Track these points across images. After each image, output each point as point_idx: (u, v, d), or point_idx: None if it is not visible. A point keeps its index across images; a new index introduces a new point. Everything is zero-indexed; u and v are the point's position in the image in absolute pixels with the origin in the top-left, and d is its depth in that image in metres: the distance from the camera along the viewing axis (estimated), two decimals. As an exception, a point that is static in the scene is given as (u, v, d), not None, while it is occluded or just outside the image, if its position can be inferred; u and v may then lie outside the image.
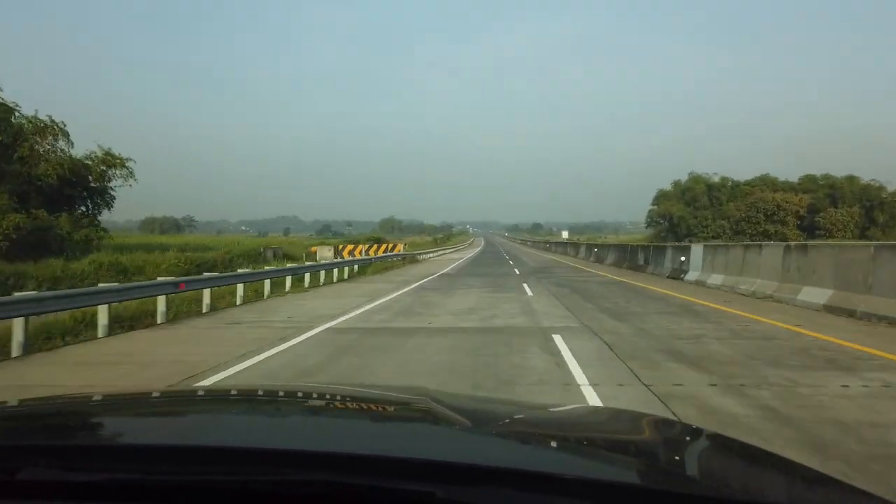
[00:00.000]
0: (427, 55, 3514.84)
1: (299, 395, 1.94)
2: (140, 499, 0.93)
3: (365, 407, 1.65)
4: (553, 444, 1.32)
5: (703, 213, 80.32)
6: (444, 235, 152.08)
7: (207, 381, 6.05)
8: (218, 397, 1.92)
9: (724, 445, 1.50)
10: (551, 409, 2.14)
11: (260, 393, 2.13)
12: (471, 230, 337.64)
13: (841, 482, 1.11)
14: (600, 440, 1.39)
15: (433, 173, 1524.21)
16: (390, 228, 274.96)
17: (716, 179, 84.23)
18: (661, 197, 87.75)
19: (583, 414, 2.06)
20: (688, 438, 1.57)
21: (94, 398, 1.88)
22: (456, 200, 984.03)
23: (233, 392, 2.23)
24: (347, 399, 1.79)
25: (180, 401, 1.82)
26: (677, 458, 1.36)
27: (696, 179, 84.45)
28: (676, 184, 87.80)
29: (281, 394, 2.01)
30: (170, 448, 1.06)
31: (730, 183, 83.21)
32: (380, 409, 1.64)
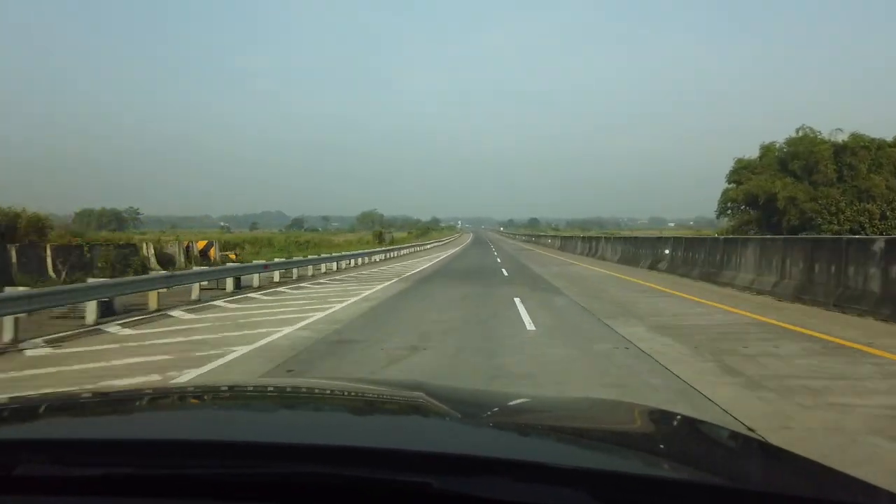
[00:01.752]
0: (420, 52, 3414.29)
1: (294, 389, 1.90)
2: (137, 493, 0.93)
3: (360, 401, 1.66)
4: (547, 434, 1.33)
5: (826, 191, 47.84)
6: (418, 231, 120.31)
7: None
8: (212, 393, 1.88)
9: (719, 435, 1.50)
10: (545, 400, 2.37)
11: (254, 388, 2.11)
12: (460, 225, 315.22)
13: (835, 470, 1.09)
14: (593, 430, 1.41)
15: (427, 171, 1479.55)
16: (371, 223, 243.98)
17: (842, 138, 51.39)
18: (742, 170, 55.00)
19: (576, 405, 2.06)
20: (682, 428, 1.56)
21: (90, 394, 1.92)
22: (449, 198, 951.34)
23: (228, 387, 2.21)
24: (343, 393, 1.78)
25: (175, 396, 1.78)
26: (670, 446, 1.36)
27: (808, 140, 51.52)
28: (768, 149, 54.96)
29: (276, 388, 1.98)
30: (165, 442, 1.06)
31: (864, 141, 50.03)
32: (375, 402, 1.63)
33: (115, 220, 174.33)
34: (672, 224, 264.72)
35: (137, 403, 1.59)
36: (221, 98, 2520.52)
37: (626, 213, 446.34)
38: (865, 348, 7.29)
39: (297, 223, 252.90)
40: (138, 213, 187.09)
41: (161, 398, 1.73)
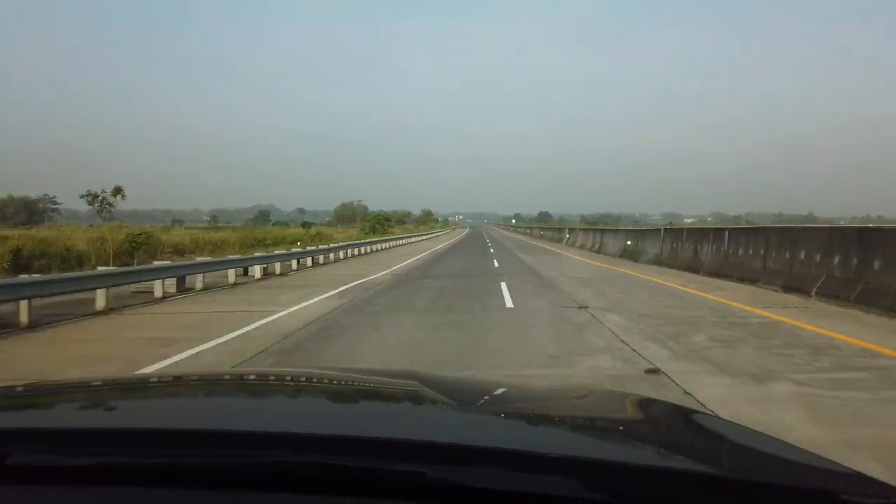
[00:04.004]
0: (420, 45, 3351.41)
1: (289, 378, 1.87)
2: (132, 482, 0.93)
3: (354, 390, 1.66)
4: (541, 423, 1.34)
5: None
6: (373, 221, 73.85)
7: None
8: (208, 382, 1.85)
9: (711, 424, 1.52)
10: (541, 389, 2.40)
11: (250, 377, 2.11)
12: (457, 219, 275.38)
13: (824, 459, 1.10)
14: (588, 419, 1.42)
15: (429, 168, 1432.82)
16: (350, 217, 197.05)
17: None
18: None
19: (572, 394, 2.05)
20: (675, 417, 1.57)
21: (85, 383, 1.89)
22: (452, 193, 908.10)
23: (224, 377, 2.19)
24: (336, 382, 1.78)
25: (171, 385, 1.77)
26: (667, 436, 1.37)
27: None
28: None
29: (271, 378, 1.96)
30: (160, 431, 1.06)
31: None
32: (369, 391, 1.63)
33: (25, 210, 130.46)
34: (690, 220, 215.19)
35: (133, 393, 1.59)
36: (218, 91, 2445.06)
37: (637, 209, 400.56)
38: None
39: (263, 215, 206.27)
40: (55, 203, 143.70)
41: (155, 386, 1.72)
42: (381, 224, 74.16)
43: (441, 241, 50.41)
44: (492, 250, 33.65)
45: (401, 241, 45.47)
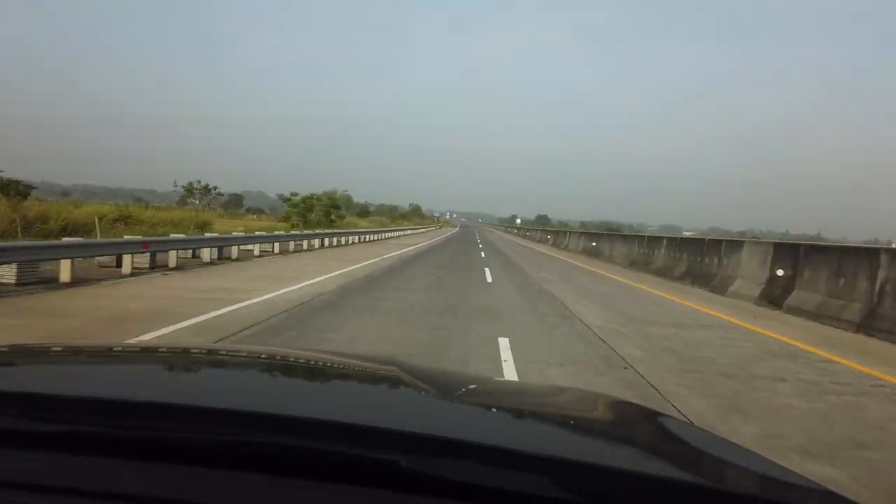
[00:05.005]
0: (425, 45, 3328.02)
1: (267, 358, 1.87)
2: (100, 452, 0.93)
3: (332, 373, 1.66)
4: (517, 420, 1.36)
5: None
6: (298, 208, 50.43)
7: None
8: (187, 356, 1.85)
9: (684, 431, 1.55)
10: (516, 386, 2.44)
11: (228, 354, 2.07)
12: (450, 217, 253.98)
13: (795, 473, 1.12)
14: (564, 418, 1.44)
15: (425, 162, 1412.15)
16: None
17: None
18: None
19: (551, 393, 2.06)
20: (650, 422, 1.59)
21: (62, 349, 1.88)
22: (447, 190, 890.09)
23: (202, 351, 2.20)
24: (315, 364, 1.78)
25: (149, 357, 1.78)
26: (640, 439, 1.39)
27: None
28: None
29: (249, 355, 1.93)
30: (134, 403, 1.07)
31: None
32: (347, 376, 1.64)
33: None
34: (689, 232, 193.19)
35: (109, 362, 1.60)
36: (212, 75, 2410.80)
37: (634, 218, 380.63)
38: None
39: (237, 199, 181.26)
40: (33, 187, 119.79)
41: (134, 358, 1.74)
42: (325, 213, 51.04)
43: (378, 255, 27.50)
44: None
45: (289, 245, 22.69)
